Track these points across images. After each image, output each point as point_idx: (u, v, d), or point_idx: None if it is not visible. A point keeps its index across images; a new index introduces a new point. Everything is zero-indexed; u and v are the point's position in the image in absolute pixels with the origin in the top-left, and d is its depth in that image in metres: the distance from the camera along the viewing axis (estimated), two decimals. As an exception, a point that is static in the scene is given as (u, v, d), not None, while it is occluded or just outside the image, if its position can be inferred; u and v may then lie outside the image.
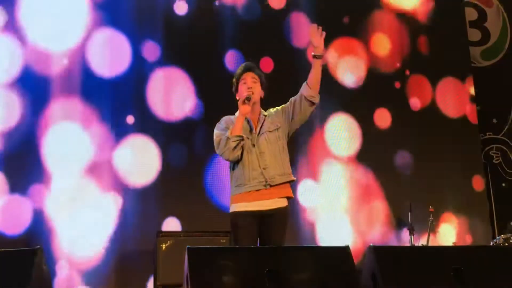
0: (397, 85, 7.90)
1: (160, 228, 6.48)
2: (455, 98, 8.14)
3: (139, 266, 6.36)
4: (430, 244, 6.67)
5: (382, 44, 7.95)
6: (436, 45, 8.13)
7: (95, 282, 6.26)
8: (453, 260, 3.36)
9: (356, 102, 7.59)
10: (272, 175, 4.37)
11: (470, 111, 8.23)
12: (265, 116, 4.55)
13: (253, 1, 7.42)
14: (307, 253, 3.38)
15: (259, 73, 4.61)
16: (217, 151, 4.43)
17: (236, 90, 4.57)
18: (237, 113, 4.52)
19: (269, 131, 4.48)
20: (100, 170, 6.49)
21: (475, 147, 8.20)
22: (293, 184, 4.51)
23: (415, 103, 7.94)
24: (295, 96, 4.54)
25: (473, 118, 8.21)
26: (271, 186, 4.35)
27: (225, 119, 4.58)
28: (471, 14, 8.84)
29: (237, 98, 4.54)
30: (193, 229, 6.28)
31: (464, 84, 8.26)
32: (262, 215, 4.31)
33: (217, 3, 7.30)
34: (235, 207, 4.38)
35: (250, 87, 4.47)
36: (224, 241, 6.06)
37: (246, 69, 4.59)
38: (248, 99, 4.38)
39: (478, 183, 7.93)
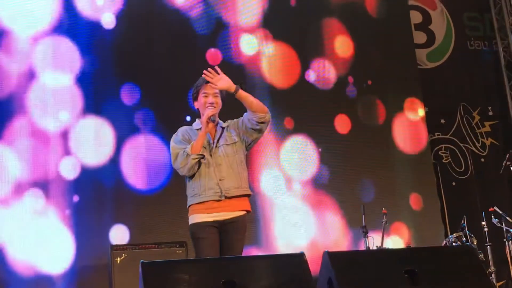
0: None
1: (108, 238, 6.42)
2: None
3: (94, 280, 6.28)
4: (384, 245, 6.73)
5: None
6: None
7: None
8: (406, 261, 3.40)
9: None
10: (227, 187, 4.32)
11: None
12: (223, 128, 4.50)
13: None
14: (263, 262, 3.36)
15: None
16: (174, 165, 4.38)
17: (195, 99, 4.51)
18: (194, 125, 4.52)
19: (227, 144, 4.44)
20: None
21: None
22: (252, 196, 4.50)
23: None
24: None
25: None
26: (226, 197, 4.31)
27: (181, 130, 4.53)
28: (416, 16, 8.98)
29: (196, 107, 4.51)
30: (147, 241, 6.23)
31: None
32: (221, 224, 4.28)
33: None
34: (193, 218, 4.35)
35: (212, 102, 4.41)
36: (180, 251, 6.02)
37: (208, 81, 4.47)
38: (212, 120, 4.39)
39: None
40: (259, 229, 7.06)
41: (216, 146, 4.43)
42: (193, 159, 4.28)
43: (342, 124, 7.83)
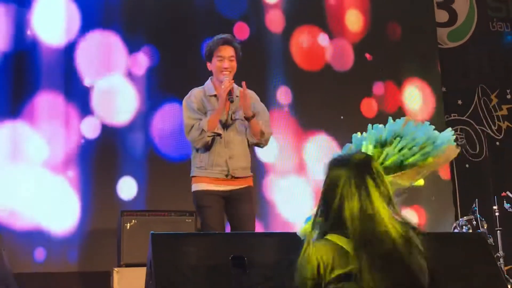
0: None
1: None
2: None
3: (103, 244, 6.31)
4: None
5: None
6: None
7: (58, 261, 6.20)
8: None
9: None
10: (235, 167, 4.24)
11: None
12: (237, 97, 4.33)
13: None
14: (272, 239, 3.36)
15: (236, 47, 4.39)
16: (187, 137, 4.28)
17: (209, 59, 4.36)
18: (206, 88, 4.37)
19: (241, 120, 4.31)
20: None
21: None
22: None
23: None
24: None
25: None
26: (232, 177, 4.23)
27: (194, 96, 4.35)
28: (439, -5, 8.86)
29: (209, 68, 4.37)
30: (159, 207, 6.24)
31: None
32: (227, 194, 4.22)
33: None
34: (198, 186, 4.27)
35: (227, 67, 4.26)
36: (189, 220, 6.02)
37: (224, 42, 4.33)
38: (231, 100, 4.23)
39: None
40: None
41: (231, 119, 4.29)
42: (208, 136, 4.16)
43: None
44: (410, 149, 2.58)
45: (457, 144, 2.69)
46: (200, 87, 4.45)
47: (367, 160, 2.42)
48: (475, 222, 6.57)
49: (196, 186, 4.29)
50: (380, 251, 2.23)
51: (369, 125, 2.68)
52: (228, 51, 4.30)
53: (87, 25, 6.61)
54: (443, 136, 2.66)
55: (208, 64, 4.39)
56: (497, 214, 6.85)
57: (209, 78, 4.45)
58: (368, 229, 2.25)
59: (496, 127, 8.78)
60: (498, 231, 6.81)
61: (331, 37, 7.72)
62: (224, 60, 4.28)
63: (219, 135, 4.19)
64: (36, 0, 6.47)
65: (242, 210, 4.22)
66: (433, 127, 2.69)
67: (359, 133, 2.67)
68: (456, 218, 7.46)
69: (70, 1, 6.60)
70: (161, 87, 6.81)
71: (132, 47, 6.76)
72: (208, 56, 4.36)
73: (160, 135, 6.76)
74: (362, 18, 7.94)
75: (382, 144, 2.59)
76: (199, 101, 4.31)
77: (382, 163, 2.54)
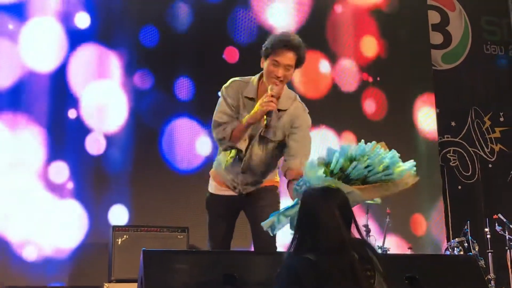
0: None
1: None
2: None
3: (94, 259, 6.29)
4: (385, 245, 6.72)
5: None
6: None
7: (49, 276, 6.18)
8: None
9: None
10: (245, 183, 3.84)
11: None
12: (279, 111, 3.72)
13: None
14: (264, 258, 3.35)
15: (300, 54, 3.67)
16: (212, 131, 3.83)
17: (264, 57, 3.69)
18: (250, 80, 3.80)
19: (271, 141, 3.77)
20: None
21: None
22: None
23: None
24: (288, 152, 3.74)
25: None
26: (240, 192, 3.85)
27: (235, 88, 3.79)
28: (434, 17, 8.92)
29: (261, 66, 3.74)
30: (150, 223, 6.22)
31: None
32: (241, 198, 3.86)
33: None
34: (210, 185, 3.97)
35: (279, 76, 3.62)
36: (181, 237, 6.01)
37: (285, 46, 3.62)
38: (266, 124, 3.62)
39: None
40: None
41: (260, 135, 3.75)
42: (227, 146, 3.76)
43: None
44: (374, 168, 2.80)
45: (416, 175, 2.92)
46: (244, 78, 3.87)
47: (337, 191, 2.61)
48: (466, 244, 6.58)
49: (211, 186, 3.97)
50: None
51: (342, 144, 2.89)
52: (287, 58, 3.62)
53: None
54: (405, 165, 2.91)
55: (262, 62, 3.72)
56: (488, 236, 6.86)
57: (258, 75, 3.82)
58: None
59: (489, 149, 8.82)
60: (490, 253, 6.83)
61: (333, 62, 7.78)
62: (279, 67, 3.63)
63: (239, 151, 3.76)
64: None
65: (257, 206, 3.79)
66: (399, 155, 2.90)
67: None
68: (448, 240, 7.47)
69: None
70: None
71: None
72: (265, 54, 3.68)
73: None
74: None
75: (351, 159, 2.78)
76: (236, 97, 3.77)
77: (349, 174, 2.76)
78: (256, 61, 3.79)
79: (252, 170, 3.81)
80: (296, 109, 3.79)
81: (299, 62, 3.67)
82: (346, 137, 7.61)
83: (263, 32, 7.14)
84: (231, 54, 7.27)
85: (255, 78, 3.81)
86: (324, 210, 2.47)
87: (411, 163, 2.94)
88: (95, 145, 6.57)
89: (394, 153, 2.89)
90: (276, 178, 3.98)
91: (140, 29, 6.96)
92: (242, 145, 3.75)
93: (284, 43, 3.61)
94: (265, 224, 3.00)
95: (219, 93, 3.84)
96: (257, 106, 3.63)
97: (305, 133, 3.78)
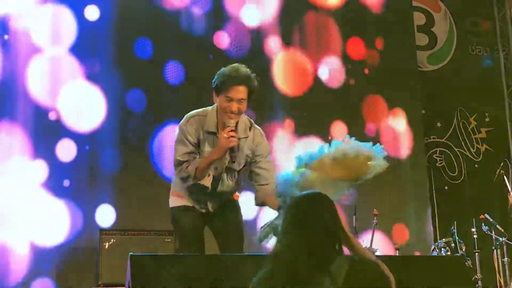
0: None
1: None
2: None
3: (81, 263, 6.26)
4: (373, 246, 6.73)
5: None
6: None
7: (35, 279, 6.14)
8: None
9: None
10: (214, 207, 3.96)
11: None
12: (239, 139, 3.80)
13: None
14: (252, 261, 3.35)
15: (251, 89, 3.76)
16: (174, 169, 3.90)
17: (217, 94, 3.76)
18: (208, 113, 3.84)
19: (237, 171, 3.91)
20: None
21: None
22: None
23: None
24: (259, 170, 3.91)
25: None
26: (209, 211, 3.96)
27: (195, 126, 3.81)
28: (419, 18, 8.95)
29: (214, 101, 3.82)
30: (137, 226, 6.20)
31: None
32: (208, 210, 3.95)
33: None
34: (174, 202, 4.00)
35: (234, 111, 3.68)
36: (169, 240, 6.00)
37: (238, 81, 3.69)
38: (232, 161, 3.78)
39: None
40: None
41: (226, 168, 3.86)
42: (192, 182, 3.79)
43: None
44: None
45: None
46: (200, 111, 3.91)
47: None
48: (453, 245, 6.60)
49: (173, 202, 4.00)
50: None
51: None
52: (239, 93, 3.68)
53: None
54: (374, 149, 3.03)
55: (214, 97, 3.80)
56: (475, 236, 6.88)
57: (215, 107, 3.86)
58: None
59: (474, 150, 8.87)
60: (476, 253, 6.85)
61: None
62: (233, 102, 3.68)
63: (205, 187, 3.80)
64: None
65: (223, 219, 3.93)
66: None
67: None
68: (435, 240, 7.49)
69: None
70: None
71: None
72: (216, 91, 3.77)
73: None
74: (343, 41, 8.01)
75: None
76: (196, 134, 3.81)
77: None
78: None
79: (221, 196, 3.94)
80: (256, 136, 3.92)
81: (251, 93, 3.75)
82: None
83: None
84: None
85: (212, 111, 3.87)
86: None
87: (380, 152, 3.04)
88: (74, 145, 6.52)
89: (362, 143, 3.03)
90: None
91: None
92: (207, 182, 3.80)
93: (234, 79, 3.68)
94: (260, 236, 3.06)
95: (177, 130, 3.90)
96: (220, 141, 3.74)
97: (268, 159, 3.95)
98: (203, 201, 3.96)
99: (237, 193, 4.21)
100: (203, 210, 3.98)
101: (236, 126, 3.79)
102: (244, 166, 3.95)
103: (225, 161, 3.83)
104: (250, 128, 3.92)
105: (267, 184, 3.83)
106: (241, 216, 4.05)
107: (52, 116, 6.50)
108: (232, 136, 3.67)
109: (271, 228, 3.05)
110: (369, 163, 2.98)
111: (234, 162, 3.79)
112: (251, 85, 3.76)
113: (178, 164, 3.82)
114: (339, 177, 2.96)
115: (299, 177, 2.92)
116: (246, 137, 3.88)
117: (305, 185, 2.86)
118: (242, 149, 3.86)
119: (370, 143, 3.06)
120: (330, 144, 3.03)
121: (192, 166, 3.75)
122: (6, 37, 6.40)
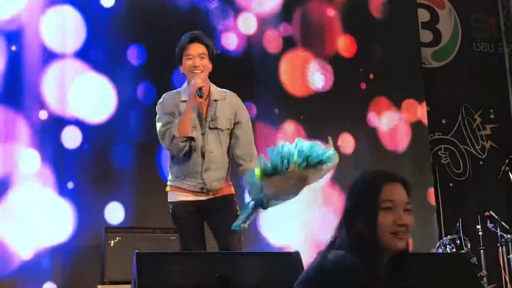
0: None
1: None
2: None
3: (86, 261, 6.27)
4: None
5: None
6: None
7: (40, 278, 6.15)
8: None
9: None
10: (211, 179, 3.99)
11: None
12: (216, 101, 4.03)
13: None
14: (257, 259, 3.37)
15: (207, 44, 4.04)
16: (162, 144, 4.01)
17: (180, 62, 4.03)
18: (181, 88, 4.06)
19: (222, 130, 4.01)
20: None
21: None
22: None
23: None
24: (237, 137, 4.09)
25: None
26: (208, 190, 3.99)
27: (166, 100, 4.03)
28: (423, 15, 8.94)
29: (181, 71, 4.07)
30: (143, 224, 6.21)
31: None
32: (204, 204, 4.00)
33: None
34: (173, 196, 4.04)
35: (197, 66, 3.94)
36: (174, 238, 6.00)
37: (192, 39, 4.00)
38: (200, 95, 3.88)
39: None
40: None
41: (210, 127, 3.98)
42: (181, 142, 3.88)
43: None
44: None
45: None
46: (174, 90, 4.17)
47: None
48: (458, 242, 6.61)
49: (171, 197, 4.05)
50: None
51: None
52: (197, 49, 3.97)
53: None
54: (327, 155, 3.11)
55: (180, 68, 4.06)
56: (480, 233, 6.89)
57: (185, 82, 4.11)
58: None
59: (479, 147, 8.86)
60: (482, 250, 6.85)
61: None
62: (194, 58, 3.96)
63: (192, 139, 3.91)
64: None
65: (222, 218, 3.93)
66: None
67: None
68: (440, 238, 7.49)
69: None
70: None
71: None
72: (179, 58, 4.04)
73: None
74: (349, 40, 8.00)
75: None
76: (173, 105, 4.00)
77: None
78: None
79: (213, 164, 3.98)
80: (232, 97, 4.14)
81: (210, 51, 4.00)
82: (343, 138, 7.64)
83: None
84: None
85: (184, 86, 4.09)
86: None
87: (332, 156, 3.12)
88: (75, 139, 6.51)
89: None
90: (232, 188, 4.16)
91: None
92: (195, 133, 3.94)
93: (190, 37, 3.99)
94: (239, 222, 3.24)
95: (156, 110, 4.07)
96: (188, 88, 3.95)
97: (244, 112, 4.16)
98: (198, 178, 3.98)
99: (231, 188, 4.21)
100: (202, 197, 4.00)
101: (209, 91, 4.03)
102: (229, 130, 4.07)
103: (206, 117, 3.99)
104: (226, 92, 4.15)
105: (244, 148, 4.10)
106: (236, 210, 4.06)
107: (57, 109, 6.46)
108: (197, 79, 3.89)
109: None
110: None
111: (201, 96, 3.91)
112: (206, 41, 4.03)
113: (162, 134, 3.95)
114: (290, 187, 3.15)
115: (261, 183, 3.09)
116: (224, 99, 4.09)
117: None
118: (221, 109, 4.04)
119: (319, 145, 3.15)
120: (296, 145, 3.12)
121: (173, 126, 3.91)
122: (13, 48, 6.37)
